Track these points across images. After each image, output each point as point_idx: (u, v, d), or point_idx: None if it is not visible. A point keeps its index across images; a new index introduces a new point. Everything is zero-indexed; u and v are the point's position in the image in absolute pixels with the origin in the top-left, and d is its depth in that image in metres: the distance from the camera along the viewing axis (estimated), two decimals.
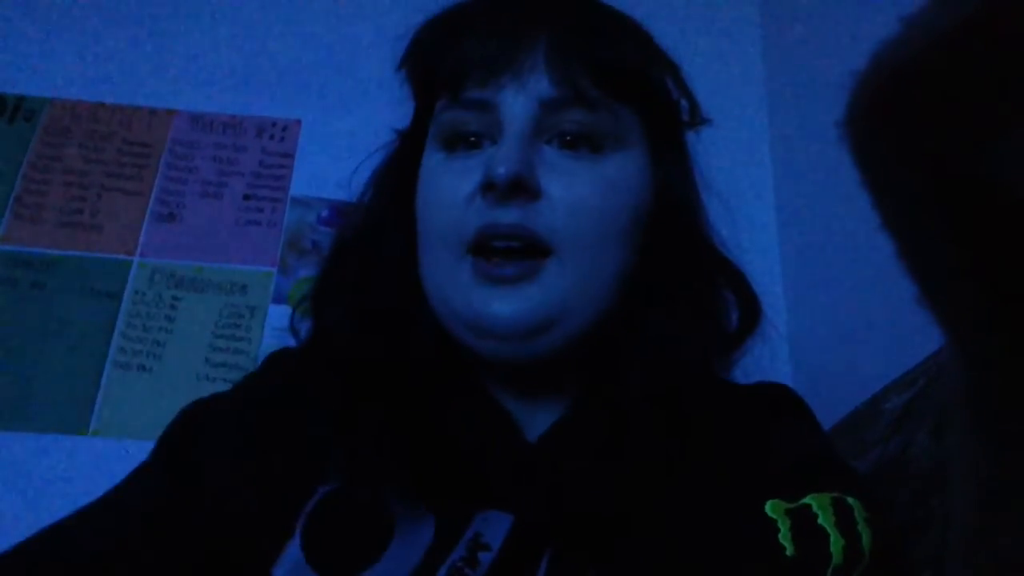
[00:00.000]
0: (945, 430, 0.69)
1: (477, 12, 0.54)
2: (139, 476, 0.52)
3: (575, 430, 0.51)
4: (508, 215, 0.48)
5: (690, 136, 0.61)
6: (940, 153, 0.15)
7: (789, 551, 0.41)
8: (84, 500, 0.51)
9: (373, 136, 0.61)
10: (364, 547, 0.45)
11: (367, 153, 0.62)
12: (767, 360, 0.58)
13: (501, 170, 0.47)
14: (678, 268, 0.54)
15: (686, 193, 0.57)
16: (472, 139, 0.52)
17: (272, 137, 1.43)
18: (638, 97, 0.53)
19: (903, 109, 0.15)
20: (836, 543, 0.41)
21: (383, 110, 0.60)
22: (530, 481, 0.48)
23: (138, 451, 0.53)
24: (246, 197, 1.39)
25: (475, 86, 0.51)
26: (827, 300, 1.22)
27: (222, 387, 0.58)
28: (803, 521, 0.42)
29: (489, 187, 0.48)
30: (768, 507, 0.44)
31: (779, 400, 0.57)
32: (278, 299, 1.31)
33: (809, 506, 0.43)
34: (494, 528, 0.45)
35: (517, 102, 0.50)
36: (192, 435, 0.52)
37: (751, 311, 0.56)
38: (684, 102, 0.59)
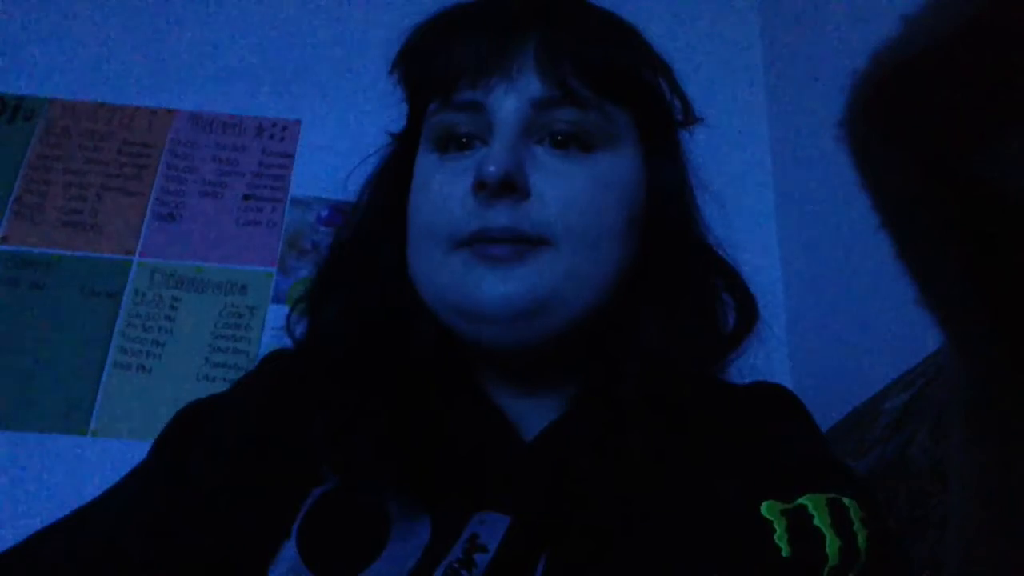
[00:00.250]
0: (944, 430, 0.69)
1: (468, 14, 0.54)
2: (135, 477, 0.52)
3: (571, 430, 0.51)
4: (499, 218, 0.48)
5: (690, 136, 0.61)
6: (940, 153, 0.15)
7: (785, 552, 0.41)
8: (83, 500, 0.51)
9: (373, 136, 0.61)
10: (360, 548, 0.45)
11: (367, 153, 0.62)
12: (767, 360, 0.58)
13: (491, 169, 0.47)
14: (673, 268, 0.54)
15: (680, 193, 0.57)
16: (464, 140, 0.52)
17: (272, 137, 1.43)
18: (630, 97, 0.53)
19: (903, 109, 0.15)
20: (832, 544, 0.41)
21: (383, 110, 0.60)
22: (527, 482, 0.48)
23: (137, 451, 0.53)
24: (246, 197, 1.39)
25: (466, 88, 0.51)
26: (827, 300, 1.22)
27: (222, 387, 0.58)
28: (799, 522, 0.43)
29: (480, 186, 0.48)
30: (764, 508, 0.44)
31: (775, 400, 0.57)
32: (278, 299, 1.31)
33: (805, 507, 0.43)
34: (491, 529, 0.45)
35: (508, 103, 0.50)
36: (188, 436, 0.52)
37: (747, 312, 0.56)
38: (678, 102, 0.59)
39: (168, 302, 1.30)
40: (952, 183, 0.15)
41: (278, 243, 1.36)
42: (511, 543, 0.45)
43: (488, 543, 0.45)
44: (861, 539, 0.42)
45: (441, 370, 0.53)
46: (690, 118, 0.59)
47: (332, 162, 1.36)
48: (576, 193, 0.49)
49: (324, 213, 1.38)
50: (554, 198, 0.49)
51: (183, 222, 1.36)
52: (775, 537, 0.42)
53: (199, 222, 1.36)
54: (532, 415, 0.52)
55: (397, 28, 0.56)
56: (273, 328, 1.28)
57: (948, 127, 0.15)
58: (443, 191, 0.51)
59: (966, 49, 0.14)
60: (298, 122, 1.45)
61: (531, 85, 0.50)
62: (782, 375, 1.27)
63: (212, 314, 1.30)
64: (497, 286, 0.48)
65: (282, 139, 1.43)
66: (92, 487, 0.51)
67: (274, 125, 1.45)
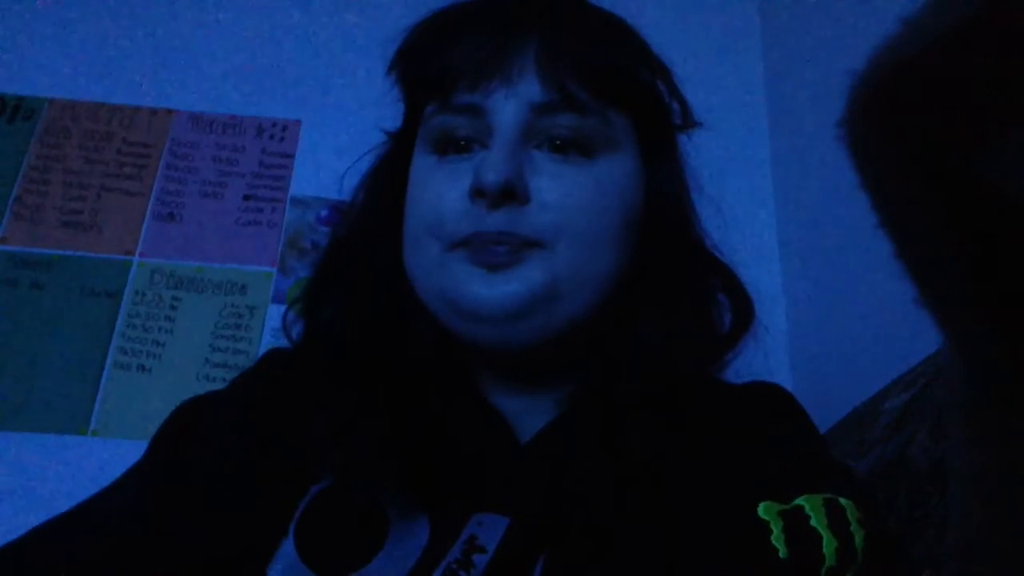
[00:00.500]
0: (944, 430, 0.69)
1: (467, 16, 0.54)
2: (132, 475, 0.52)
3: (569, 430, 0.51)
4: (496, 222, 0.48)
5: (690, 138, 0.61)
6: (939, 153, 0.15)
7: (782, 553, 0.41)
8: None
9: (373, 136, 0.61)
10: (358, 546, 0.45)
11: (367, 153, 0.62)
12: (766, 361, 0.58)
13: (491, 177, 0.47)
14: (670, 269, 0.54)
15: (678, 195, 0.57)
16: (462, 143, 0.52)
17: (272, 137, 1.44)
18: (629, 101, 0.53)
19: (902, 109, 0.15)
20: (829, 544, 0.41)
21: (383, 110, 0.60)
22: (525, 483, 0.48)
23: (137, 451, 0.53)
24: (246, 197, 1.39)
25: (465, 91, 0.51)
26: (826, 300, 1.22)
27: (222, 387, 0.58)
28: (796, 523, 0.42)
29: (478, 193, 0.48)
30: (761, 509, 0.44)
31: (772, 400, 0.57)
32: (278, 299, 1.31)
33: (802, 507, 0.43)
34: (490, 530, 0.45)
35: (507, 107, 0.50)
36: (185, 434, 0.52)
37: (744, 312, 0.56)
38: (677, 105, 0.59)
39: (168, 302, 1.30)
40: (952, 183, 0.15)
41: (278, 243, 1.36)
42: (510, 544, 0.45)
43: (487, 544, 0.45)
44: (858, 539, 0.41)
45: (439, 370, 0.53)
46: (689, 121, 0.59)
47: (332, 162, 1.37)
48: (575, 198, 0.49)
49: (324, 213, 1.38)
50: (553, 204, 0.49)
51: (183, 222, 1.36)
52: (772, 538, 0.42)
53: (199, 222, 1.36)
54: (530, 415, 0.52)
55: (397, 28, 0.56)
56: (273, 328, 1.28)
57: (948, 127, 0.15)
58: (441, 193, 0.51)
59: (965, 49, 0.14)
60: (298, 122, 1.45)
61: (531, 89, 0.50)
62: (782, 375, 1.27)
63: (212, 314, 1.30)
64: (493, 287, 0.48)
65: (282, 139, 1.43)
66: (92, 487, 0.51)
67: (274, 125, 1.45)
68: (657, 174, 0.55)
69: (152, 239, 1.34)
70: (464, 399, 0.53)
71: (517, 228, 0.48)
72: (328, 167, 1.38)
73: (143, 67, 1.45)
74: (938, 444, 0.69)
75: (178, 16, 1.50)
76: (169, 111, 1.43)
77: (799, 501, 0.44)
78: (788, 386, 0.60)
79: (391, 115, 0.60)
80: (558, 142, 0.50)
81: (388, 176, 0.58)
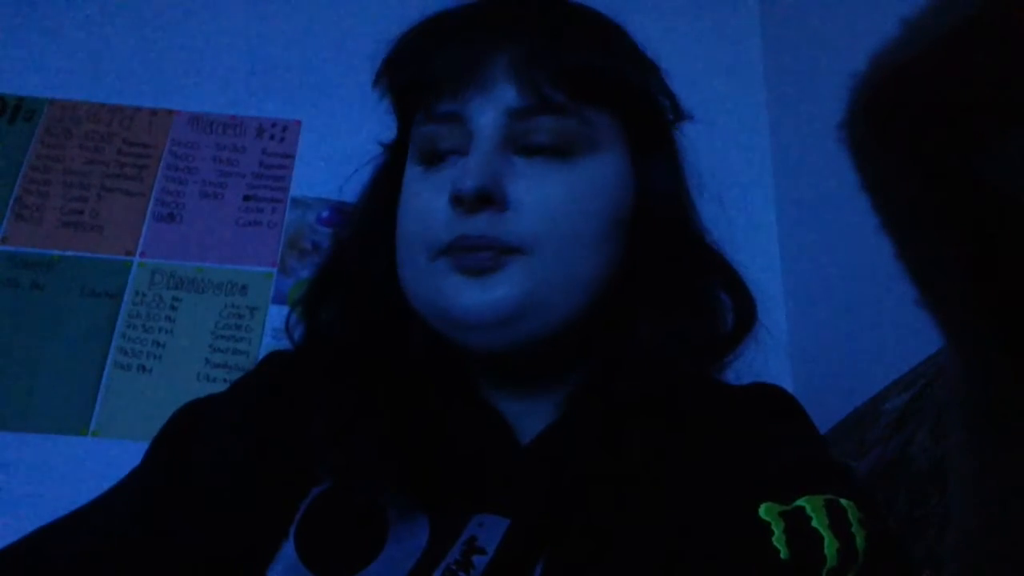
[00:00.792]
0: (944, 431, 0.69)
1: (447, 25, 0.54)
2: (133, 478, 0.52)
3: (569, 432, 0.51)
4: (476, 227, 0.48)
5: (690, 137, 0.61)
6: (940, 155, 0.15)
7: (783, 554, 0.41)
8: (84, 500, 0.51)
9: (373, 137, 0.61)
10: (359, 548, 0.45)
11: (367, 154, 0.62)
12: (767, 361, 0.58)
13: (468, 183, 0.48)
14: (667, 268, 0.54)
15: (673, 193, 0.56)
16: (447, 152, 0.52)
17: (272, 138, 1.44)
18: (611, 100, 0.53)
19: (902, 111, 0.15)
20: (830, 545, 0.41)
21: (383, 111, 0.60)
22: (525, 484, 0.48)
23: (138, 452, 0.53)
24: (246, 198, 1.39)
25: (445, 100, 0.52)
26: (827, 301, 1.22)
27: (222, 387, 0.58)
28: (797, 524, 0.42)
29: (456, 200, 0.48)
30: (762, 510, 0.44)
31: (773, 401, 0.57)
32: (278, 299, 1.31)
33: (803, 508, 0.43)
34: (490, 531, 0.45)
35: (485, 113, 0.50)
36: (186, 435, 0.52)
37: (746, 312, 0.56)
38: (667, 101, 0.59)
39: (168, 302, 1.30)
40: (952, 184, 0.15)
41: (278, 243, 1.36)
42: (510, 545, 0.45)
43: (486, 545, 0.45)
44: (859, 540, 0.41)
45: (439, 372, 0.53)
46: (680, 115, 0.59)
47: (332, 163, 1.37)
48: (555, 203, 0.49)
49: (324, 213, 1.38)
50: (532, 209, 0.49)
51: (183, 222, 1.36)
52: (773, 539, 0.42)
53: (199, 222, 1.36)
54: (530, 416, 0.53)
55: (397, 29, 0.56)
56: (273, 328, 1.28)
57: (948, 128, 0.15)
58: (426, 204, 0.51)
59: (965, 50, 0.14)
60: (298, 123, 1.45)
61: (507, 95, 0.50)
62: (782, 376, 1.27)
63: (212, 314, 1.30)
64: (478, 293, 0.48)
65: (282, 140, 1.44)
66: (92, 487, 0.51)
67: (274, 126, 1.45)
68: (650, 171, 0.55)
69: (152, 239, 1.34)
70: (464, 400, 0.53)
71: (497, 233, 0.48)
72: (328, 168, 1.38)
73: (143, 68, 1.45)
74: (938, 444, 0.69)
75: (178, 17, 1.50)
76: (169, 111, 1.43)
77: (800, 502, 0.44)
78: (788, 386, 0.60)
79: (391, 116, 0.61)
80: (538, 146, 0.51)
81: (384, 187, 0.58)
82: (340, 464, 0.48)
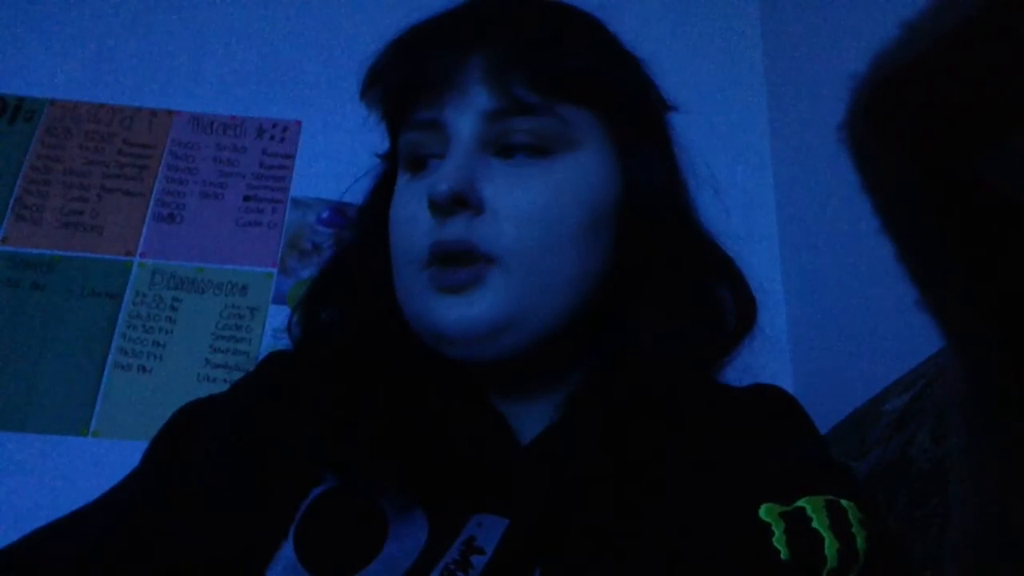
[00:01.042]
0: (945, 431, 0.69)
1: (423, 34, 0.55)
2: (132, 478, 0.52)
3: (568, 433, 0.51)
4: (452, 232, 0.49)
5: (690, 137, 0.61)
6: (940, 156, 0.15)
7: (784, 555, 0.41)
8: (84, 501, 0.51)
9: (373, 137, 0.61)
10: (358, 549, 0.45)
11: (368, 154, 0.62)
12: (767, 362, 0.58)
13: (441, 187, 0.48)
14: (664, 263, 0.53)
15: (663, 185, 0.56)
16: (429, 158, 0.53)
17: (272, 138, 1.44)
18: (588, 97, 0.53)
19: (902, 112, 0.15)
20: (831, 546, 0.41)
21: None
22: (525, 485, 0.48)
23: (138, 452, 0.53)
24: (246, 198, 1.39)
25: (424, 107, 0.52)
26: (827, 302, 1.22)
27: (222, 388, 0.58)
28: (797, 524, 0.42)
29: (432, 204, 0.49)
30: (762, 511, 0.44)
31: (773, 402, 0.56)
32: (278, 300, 1.31)
33: (803, 509, 0.43)
34: (488, 532, 0.45)
35: (462, 118, 0.51)
36: (185, 436, 0.53)
37: (746, 310, 0.56)
38: (669, 92, 0.59)
39: (169, 303, 1.30)
40: (952, 185, 0.15)
41: (278, 244, 1.36)
42: (508, 546, 0.45)
43: (485, 545, 0.45)
44: (860, 540, 0.41)
45: (439, 372, 0.53)
46: (665, 107, 0.59)
47: (332, 163, 1.37)
48: (532, 203, 0.50)
49: (324, 214, 1.38)
50: (507, 212, 0.49)
51: (184, 223, 1.36)
52: (774, 540, 0.42)
53: (200, 223, 1.36)
54: (529, 418, 0.53)
55: (397, 29, 0.56)
56: (274, 329, 1.28)
57: (949, 130, 0.15)
58: (410, 211, 0.52)
59: (966, 50, 0.14)
60: (298, 123, 1.45)
61: (480, 98, 0.51)
62: (783, 376, 1.27)
63: (213, 315, 1.30)
64: (457, 311, 0.48)
65: (282, 140, 1.44)
66: (92, 488, 0.51)
67: (274, 126, 1.45)
68: (637, 165, 0.55)
69: (153, 240, 1.34)
70: (464, 401, 0.53)
71: (473, 238, 0.48)
72: (329, 168, 1.38)
73: (144, 68, 1.45)
74: (939, 445, 0.69)
75: (179, 17, 1.50)
76: (170, 112, 1.43)
77: (801, 503, 0.44)
78: (788, 387, 0.59)
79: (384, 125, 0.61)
80: (514, 147, 0.51)
81: (381, 195, 0.59)
82: (340, 462, 0.48)
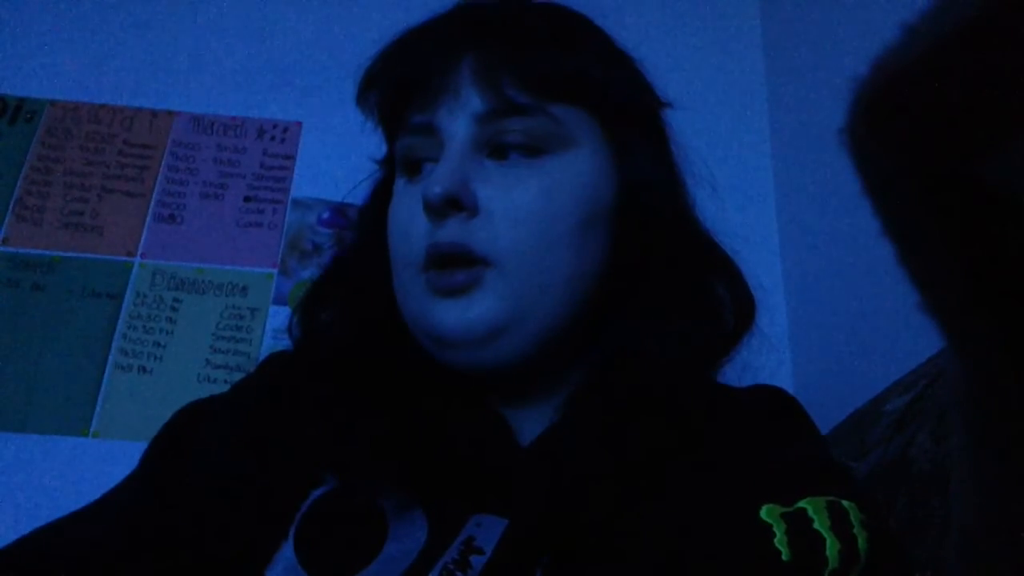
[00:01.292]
0: (945, 432, 0.69)
1: (414, 39, 0.55)
2: (133, 478, 0.52)
3: (569, 434, 0.51)
4: (447, 234, 0.49)
5: (690, 137, 0.61)
6: (942, 159, 0.15)
7: (785, 556, 0.41)
8: (84, 501, 0.51)
9: (374, 138, 0.62)
10: (357, 549, 0.45)
11: (368, 155, 0.63)
12: (768, 362, 0.58)
13: (435, 189, 0.48)
14: (658, 262, 0.53)
15: (659, 182, 0.56)
16: (424, 162, 0.53)
17: (273, 139, 1.44)
18: (580, 96, 0.53)
19: (903, 114, 0.15)
20: (832, 547, 0.41)
21: None
22: (523, 486, 0.48)
23: (138, 453, 0.53)
24: (247, 199, 1.39)
25: (417, 111, 0.53)
26: (828, 303, 1.22)
27: (223, 388, 0.58)
28: (798, 525, 0.42)
29: (426, 207, 0.49)
30: (763, 512, 0.44)
31: (774, 403, 0.56)
32: (279, 300, 1.32)
33: (804, 510, 0.43)
34: (488, 532, 0.45)
35: (454, 121, 0.51)
36: (186, 436, 0.53)
37: (745, 308, 0.56)
38: (669, 92, 0.59)
39: (169, 303, 1.30)
40: (954, 188, 0.15)
41: (279, 244, 1.36)
42: (507, 546, 0.45)
43: (484, 545, 0.45)
44: (861, 541, 0.41)
45: (439, 373, 0.53)
46: (659, 104, 0.59)
47: (333, 164, 1.38)
48: (526, 203, 0.50)
49: (325, 214, 1.38)
50: (502, 213, 0.49)
51: (184, 223, 1.36)
52: (775, 541, 0.42)
53: (200, 223, 1.36)
54: (529, 418, 0.53)
55: (398, 30, 0.57)
56: (274, 329, 1.29)
57: (950, 131, 0.15)
58: (407, 215, 0.52)
59: (966, 53, 0.14)
60: (299, 124, 1.45)
61: (472, 101, 0.51)
62: (784, 377, 1.27)
63: (213, 315, 1.30)
64: (455, 315, 0.49)
65: (283, 141, 1.44)
66: (93, 488, 0.51)
67: (275, 127, 1.45)
68: (632, 163, 0.55)
69: (153, 240, 1.34)
70: (464, 401, 0.53)
71: (467, 240, 0.49)
72: (329, 169, 1.38)
73: (144, 68, 1.45)
74: (939, 446, 0.69)
75: (179, 18, 1.50)
76: (170, 112, 1.44)
77: (802, 503, 0.44)
78: (789, 387, 0.59)
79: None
80: (506, 148, 0.51)
81: (381, 199, 0.59)
82: (339, 463, 0.48)
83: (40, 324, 1.26)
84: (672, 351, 0.51)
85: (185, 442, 0.52)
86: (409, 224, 0.52)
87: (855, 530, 0.42)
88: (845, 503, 0.43)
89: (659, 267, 0.53)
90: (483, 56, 0.51)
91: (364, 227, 0.60)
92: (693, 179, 0.60)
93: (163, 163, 1.40)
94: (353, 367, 0.53)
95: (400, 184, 0.55)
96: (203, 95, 1.45)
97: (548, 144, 0.51)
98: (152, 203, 1.37)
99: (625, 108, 0.56)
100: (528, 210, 0.50)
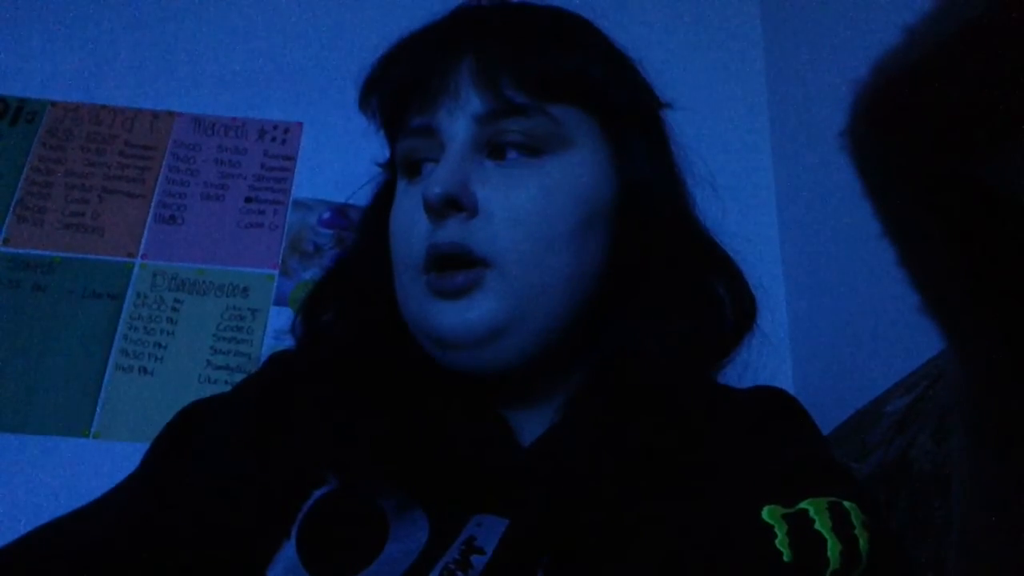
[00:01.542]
0: (946, 433, 0.69)
1: (415, 42, 0.56)
2: (134, 477, 0.52)
3: (570, 434, 0.51)
4: (447, 234, 0.49)
5: (690, 137, 0.61)
6: (942, 161, 0.15)
7: (786, 557, 0.41)
8: (85, 502, 0.51)
9: (375, 139, 0.62)
10: (359, 549, 0.45)
11: (369, 156, 0.63)
12: (769, 363, 0.58)
13: (435, 190, 0.49)
14: (658, 262, 0.53)
15: (661, 183, 0.56)
16: (423, 164, 0.53)
17: (274, 139, 1.44)
18: (578, 96, 0.53)
19: (904, 117, 0.15)
20: (833, 548, 0.41)
21: None
22: (524, 487, 0.48)
23: (139, 453, 0.53)
24: (248, 199, 1.39)
25: (417, 113, 0.53)
26: (829, 303, 1.22)
27: (224, 389, 0.58)
28: (800, 526, 0.42)
29: (426, 207, 0.49)
30: (765, 513, 0.44)
31: (775, 404, 0.56)
32: (280, 301, 1.31)
33: (806, 511, 0.43)
34: (489, 532, 0.46)
35: (454, 122, 0.51)
36: (188, 436, 0.53)
37: (745, 308, 0.56)
38: (669, 92, 0.59)
39: (170, 304, 1.30)
40: (955, 189, 0.15)
41: (280, 245, 1.36)
42: (508, 546, 0.45)
43: (485, 545, 0.45)
44: (863, 542, 0.42)
45: (440, 373, 0.53)
46: (658, 104, 0.59)
47: (334, 164, 1.38)
48: (523, 205, 0.50)
49: (326, 215, 1.38)
50: (500, 214, 0.50)
51: (185, 224, 1.36)
52: (776, 542, 0.42)
53: (201, 224, 1.36)
54: (530, 419, 0.53)
55: (398, 31, 0.57)
56: (275, 330, 1.28)
57: (950, 133, 0.15)
58: (408, 217, 0.53)
59: (967, 56, 0.14)
60: (300, 124, 1.45)
61: (471, 102, 0.51)
62: (784, 378, 1.27)
63: (214, 316, 1.30)
64: (455, 316, 0.49)
65: (284, 141, 1.44)
66: (93, 489, 0.51)
67: (276, 127, 1.45)
68: (632, 163, 0.55)
69: (154, 241, 1.34)
70: (465, 402, 0.53)
71: (467, 241, 0.49)
72: (330, 169, 1.38)
73: (145, 69, 1.45)
74: (940, 447, 0.69)
75: (180, 18, 1.50)
76: (171, 113, 1.44)
77: (803, 504, 0.44)
78: (789, 388, 0.60)
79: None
80: (506, 148, 0.51)
81: (380, 206, 0.60)
82: (340, 462, 0.48)
83: (41, 325, 1.26)
84: (672, 351, 0.51)
85: (186, 442, 0.52)
86: (410, 225, 0.52)
87: (856, 531, 0.42)
88: (846, 504, 0.43)
89: (659, 267, 0.53)
90: (482, 57, 0.52)
91: (366, 229, 0.61)
92: (693, 179, 0.60)
93: (164, 164, 1.40)
94: (354, 368, 0.53)
95: (401, 186, 0.55)
96: (204, 96, 1.45)
97: (547, 144, 0.51)
98: (153, 204, 1.37)
99: (624, 108, 0.56)
100: (527, 210, 0.50)
